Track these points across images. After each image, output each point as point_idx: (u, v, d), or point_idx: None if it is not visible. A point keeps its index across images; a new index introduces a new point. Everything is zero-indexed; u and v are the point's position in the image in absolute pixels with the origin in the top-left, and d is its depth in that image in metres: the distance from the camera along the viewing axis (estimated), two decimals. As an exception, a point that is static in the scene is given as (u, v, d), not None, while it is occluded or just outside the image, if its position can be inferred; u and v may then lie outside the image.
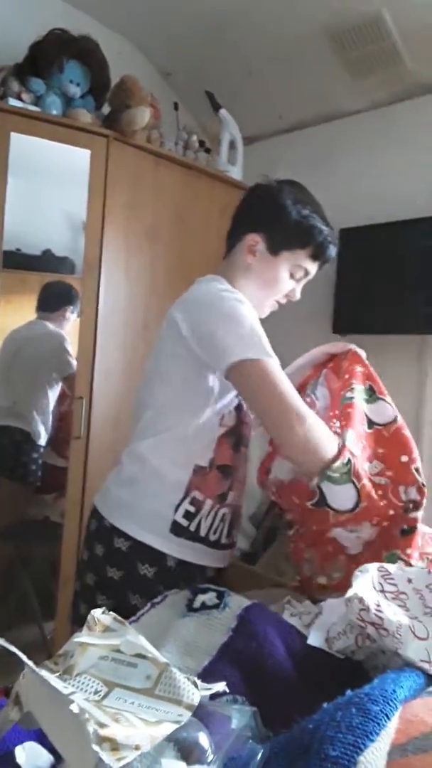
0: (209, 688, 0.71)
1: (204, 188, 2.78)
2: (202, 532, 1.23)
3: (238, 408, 1.30)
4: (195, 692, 0.67)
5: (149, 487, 1.22)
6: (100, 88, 2.47)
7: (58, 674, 0.71)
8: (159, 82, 3.10)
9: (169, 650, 0.90)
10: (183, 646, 0.93)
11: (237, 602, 1.05)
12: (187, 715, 0.63)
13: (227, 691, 0.76)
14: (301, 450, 1.10)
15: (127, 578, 1.21)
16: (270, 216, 1.30)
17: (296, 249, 1.30)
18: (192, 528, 1.22)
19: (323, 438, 1.11)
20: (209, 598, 1.07)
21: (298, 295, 1.36)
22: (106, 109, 2.53)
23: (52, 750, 0.70)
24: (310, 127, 3.03)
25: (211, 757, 0.61)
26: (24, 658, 0.69)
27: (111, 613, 0.81)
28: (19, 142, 2.18)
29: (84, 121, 2.33)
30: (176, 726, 0.61)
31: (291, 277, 1.32)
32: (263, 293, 1.32)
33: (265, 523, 3.06)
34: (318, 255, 1.31)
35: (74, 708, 0.59)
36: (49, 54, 2.31)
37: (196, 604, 1.05)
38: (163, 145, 2.62)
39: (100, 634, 0.78)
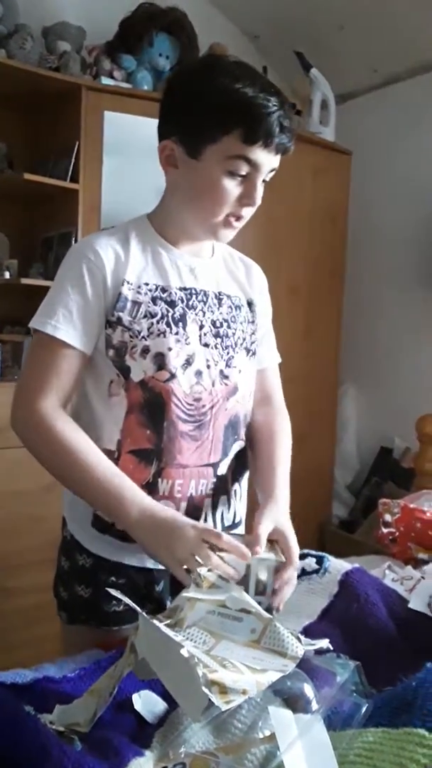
0: (313, 644, 0.73)
1: (293, 152, 2.71)
2: None
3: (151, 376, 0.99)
4: (299, 646, 0.69)
5: None
6: (190, 58, 2.46)
7: (167, 623, 0.75)
8: (247, 46, 3.04)
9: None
10: (285, 608, 0.95)
11: (337, 567, 1.06)
12: (291, 665, 0.66)
13: (331, 648, 0.78)
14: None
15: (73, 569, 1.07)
16: (178, 109, 0.98)
17: (219, 136, 0.93)
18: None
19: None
20: (308, 563, 1.09)
21: (257, 200, 0.99)
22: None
23: (165, 697, 0.75)
24: (408, 80, 2.89)
25: (315, 707, 0.64)
26: (137, 608, 0.73)
27: (215, 570, 0.85)
28: (113, 121, 2.23)
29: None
30: (281, 674, 0.64)
31: (231, 177, 0.96)
32: (201, 211, 1.00)
33: (363, 492, 3.03)
34: (253, 133, 0.93)
35: (184, 653, 0.63)
36: (139, 29, 2.33)
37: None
38: (253, 111, 2.58)
39: (207, 590, 0.81)
